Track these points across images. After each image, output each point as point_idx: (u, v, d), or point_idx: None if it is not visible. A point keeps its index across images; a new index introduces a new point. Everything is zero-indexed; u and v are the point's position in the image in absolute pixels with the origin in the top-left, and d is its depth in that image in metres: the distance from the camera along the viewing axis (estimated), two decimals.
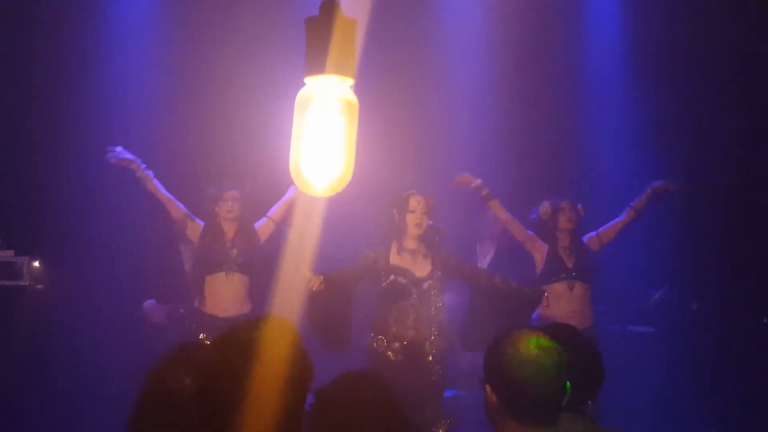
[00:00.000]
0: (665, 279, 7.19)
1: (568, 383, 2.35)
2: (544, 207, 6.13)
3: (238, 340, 1.67)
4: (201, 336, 5.70)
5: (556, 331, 2.62)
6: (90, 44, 7.06)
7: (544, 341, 2.31)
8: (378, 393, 2.38)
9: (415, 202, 5.43)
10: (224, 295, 5.82)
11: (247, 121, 6.71)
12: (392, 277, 5.37)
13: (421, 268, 5.42)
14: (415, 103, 7.17)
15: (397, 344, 5.29)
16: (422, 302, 5.34)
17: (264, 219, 5.98)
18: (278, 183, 5.70)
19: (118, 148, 5.83)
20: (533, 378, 2.27)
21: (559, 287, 6.00)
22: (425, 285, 5.37)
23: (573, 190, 6.41)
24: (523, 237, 6.13)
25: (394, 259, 5.44)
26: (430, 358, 5.30)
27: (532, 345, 2.30)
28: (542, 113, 7.42)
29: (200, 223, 5.94)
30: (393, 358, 5.26)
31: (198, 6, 7.24)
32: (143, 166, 5.83)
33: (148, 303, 6.54)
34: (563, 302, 5.95)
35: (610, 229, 6.21)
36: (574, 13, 7.68)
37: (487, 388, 2.35)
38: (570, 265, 6.04)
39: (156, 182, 5.87)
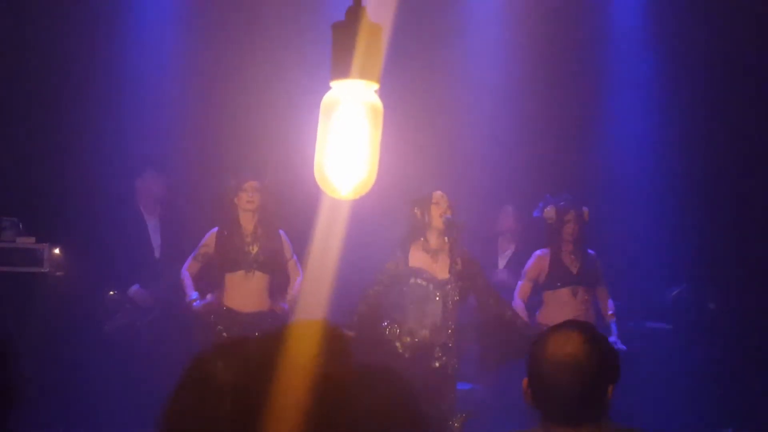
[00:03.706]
0: (684, 277, 7.16)
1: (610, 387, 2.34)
2: (549, 212, 6.09)
3: (284, 339, 1.70)
4: (219, 329, 5.67)
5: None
6: (114, 41, 7.10)
7: (576, 343, 2.31)
8: (394, 387, 2.38)
9: (438, 196, 5.46)
10: (244, 292, 5.73)
11: (269, 117, 6.74)
12: (413, 279, 5.38)
13: (443, 269, 5.40)
14: (436, 104, 7.18)
15: (408, 339, 5.33)
16: (444, 303, 5.34)
17: (290, 249, 5.88)
18: (299, 179, 5.69)
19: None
20: (554, 377, 2.29)
21: (563, 293, 6.01)
22: (448, 287, 5.37)
23: (591, 191, 6.39)
24: (533, 280, 6.10)
25: (414, 261, 5.44)
26: (437, 364, 5.30)
27: (561, 345, 2.31)
28: (564, 113, 7.40)
29: (210, 233, 5.86)
30: (399, 350, 5.30)
31: (224, 6, 7.26)
32: (197, 303, 5.80)
33: (134, 288, 6.56)
34: (567, 308, 5.92)
35: (603, 290, 6.17)
36: (597, 15, 7.63)
37: (524, 381, 2.38)
38: (574, 271, 6.04)
39: (187, 280, 5.88)
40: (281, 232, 5.90)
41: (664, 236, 7.01)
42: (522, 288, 6.11)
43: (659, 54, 7.49)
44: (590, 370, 2.29)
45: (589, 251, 6.16)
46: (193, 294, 5.78)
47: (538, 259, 6.12)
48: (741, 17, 7.06)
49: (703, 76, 7.25)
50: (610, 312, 6.18)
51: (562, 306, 5.96)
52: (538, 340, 2.38)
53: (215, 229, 5.87)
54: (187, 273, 5.89)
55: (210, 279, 5.95)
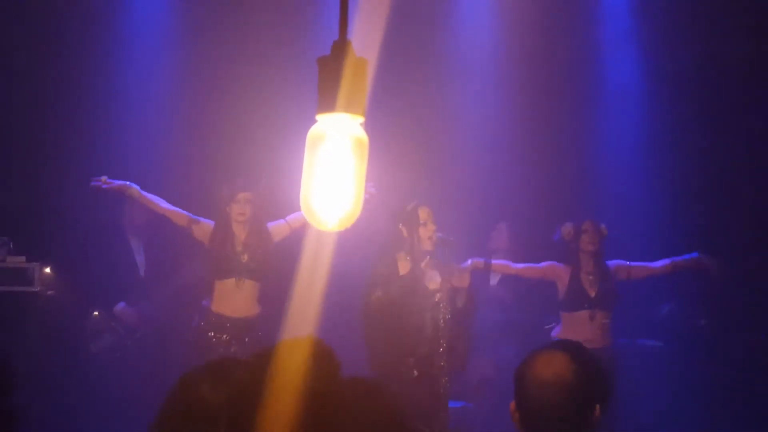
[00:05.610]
0: (674, 294, 7.17)
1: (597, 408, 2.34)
2: (567, 228, 6.10)
3: (273, 357, 1.70)
4: (209, 335, 5.71)
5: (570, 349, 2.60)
6: (103, 52, 7.09)
7: (562, 363, 2.31)
8: (381, 401, 2.38)
9: (425, 214, 5.34)
10: (234, 298, 5.76)
11: (262, 123, 6.75)
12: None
13: (430, 281, 5.39)
14: (427, 122, 7.17)
15: (411, 359, 5.27)
16: (433, 316, 5.31)
17: (281, 221, 5.89)
18: (292, 187, 5.67)
19: (103, 178, 5.83)
20: (540, 398, 2.29)
21: (580, 316, 5.98)
22: (436, 297, 5.33)
23: (591, 207, 6.40)
24: (539, 274, 6.11)
25: (404, 273, 5.37)
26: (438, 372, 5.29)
27: (546, 366, 2.31)
28: (556, 129, 7.40)
29: (208, 223, 5.86)
30: (407, 372, 5.24)
31: (218, 10, 7.26)
32: (129, 184, 5.85)
33: (120, 306, 6.53)
34: (582, 330, 5.88)
35: (643, 269, 6.17)
36: (588, 32, 7.65)
37: (512, 404, 2.38)
38: (592, 294, 6.00)
39: (150, 196, 5.88)
40: (269, 224, 5.90)
41: (654, 252, 7.01)
42: (527, 267, 6.11)
43: (649, 60, 7.50)
44: (577, 390, 2.29)
45: (608, 263, 6.12)
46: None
47: (561, 268, 6.08)
48: (729, 19, 7.08)
49: (694, 81, 7.24)
50: (668, 262, 6.12)
51: (578, 328, 5.91)
52: (524, 361, 2.38)
53: (213, 223, 5.86)
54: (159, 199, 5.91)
55: (201, 286, 5.97)
